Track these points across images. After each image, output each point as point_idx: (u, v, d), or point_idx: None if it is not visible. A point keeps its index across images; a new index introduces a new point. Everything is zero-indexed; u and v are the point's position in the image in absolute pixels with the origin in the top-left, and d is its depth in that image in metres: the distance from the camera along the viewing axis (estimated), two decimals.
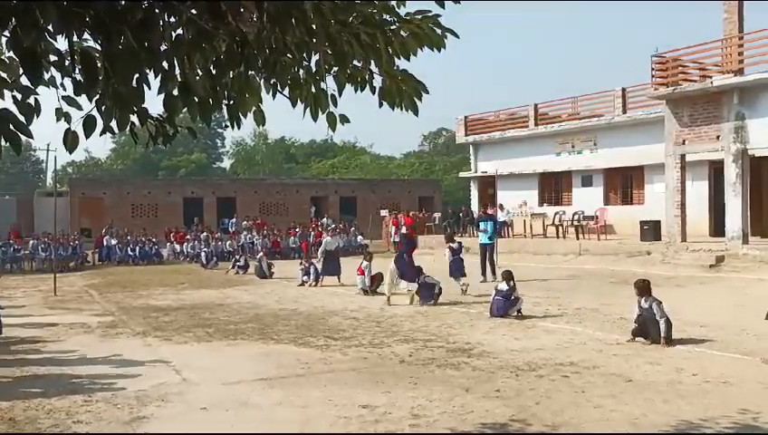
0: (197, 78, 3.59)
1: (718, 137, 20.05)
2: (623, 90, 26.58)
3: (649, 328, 9.57)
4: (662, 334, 9.40)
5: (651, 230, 22.25)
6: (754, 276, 16.75)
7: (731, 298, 13.21)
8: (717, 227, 22.04)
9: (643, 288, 9.85)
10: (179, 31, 3.48)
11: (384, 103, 4.03)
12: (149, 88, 3.39)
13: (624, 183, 27.61)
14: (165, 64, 3.43)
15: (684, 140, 20.90)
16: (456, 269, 16.22)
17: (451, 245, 16.78)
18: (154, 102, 3.55)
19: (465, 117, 33.71)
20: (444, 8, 3.96)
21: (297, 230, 32.34)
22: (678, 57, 21.45)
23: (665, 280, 16.46)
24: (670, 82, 21.01)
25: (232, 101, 3.73)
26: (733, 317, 11.44)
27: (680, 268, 18.61)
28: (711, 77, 20.30)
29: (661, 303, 9.66)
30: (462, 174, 38.79)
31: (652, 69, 21.38)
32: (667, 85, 21.01)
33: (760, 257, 18.19)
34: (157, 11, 3.28)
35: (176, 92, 3.45)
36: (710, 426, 6.05)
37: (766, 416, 6.27)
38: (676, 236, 20.80)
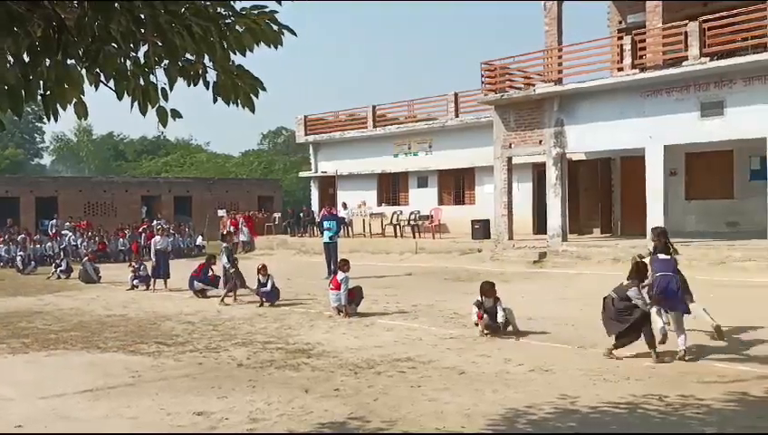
0: (8, 65, 3.27)
1: (541, 141, 21.48)
2: (456, 94, 27.66)
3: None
4: (498, 319, 10.10)
5: (481, 229, 23.42)
6: (573, 271, 18.12)
7: (553, 292, 14.20)
8: (540, 226, 23.61)
9: (488, 290, 10.38)
10: None
11: (219, 99, 3.91)
12: None
13: (457, 184, 28.81)
14: None
15: (510, 144, 22.19)
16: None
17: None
18: None
19: (305, 116, 33.61)
20: (281, 4, 3.89)
21: (126, 232, 30.84)
22: (505, 65, 22.73)
23: (494, 276, 17.14)
24: (498, 89, 22.21)
25: (48, 92, 3.43)
26: (555, 309, 12.30)
27: (507, 265, 19.72)
28: (534, 85, 21.72)
29: (500, 301, 10.37)
30: (302, 174, 38.67)
31: (482, 76, 22.49)
32: (495, 91, 22.19)
33: (576, 254, 19.72)
34: None
35: None
36: (534, 412, 6.45)
37: (583, 399, 6.78)
38: (503, 234, 22.03)
